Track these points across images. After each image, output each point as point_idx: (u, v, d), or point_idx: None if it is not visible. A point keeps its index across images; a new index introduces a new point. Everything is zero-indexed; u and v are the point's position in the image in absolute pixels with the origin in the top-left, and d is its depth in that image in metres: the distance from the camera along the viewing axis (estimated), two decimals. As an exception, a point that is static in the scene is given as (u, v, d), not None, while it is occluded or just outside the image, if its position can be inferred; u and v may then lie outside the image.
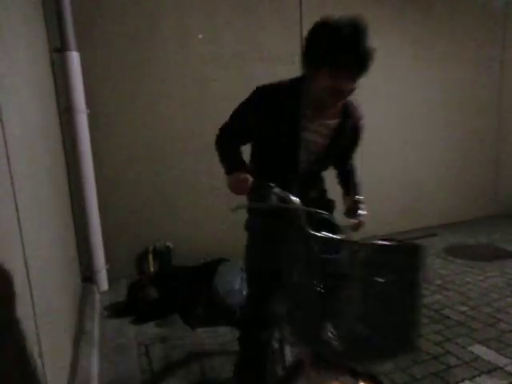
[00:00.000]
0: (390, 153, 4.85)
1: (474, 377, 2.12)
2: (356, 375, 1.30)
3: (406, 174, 4.99)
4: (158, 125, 3.78)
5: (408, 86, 4.82)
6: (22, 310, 1.39)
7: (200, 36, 3.80)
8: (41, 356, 1.53)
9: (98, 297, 3.34)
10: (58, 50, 3.18)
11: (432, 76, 4.93)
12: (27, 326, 1.42)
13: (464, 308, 2.91)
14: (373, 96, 4.67)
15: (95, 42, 3.47)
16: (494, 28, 5.23)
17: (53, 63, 3.24)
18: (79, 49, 3.25)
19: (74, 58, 3.19)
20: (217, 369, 2.31)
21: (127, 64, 3.60)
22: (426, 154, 5.08)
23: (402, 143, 4.91)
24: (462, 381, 2.09)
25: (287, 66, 4.14)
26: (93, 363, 2.27)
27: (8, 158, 1.41)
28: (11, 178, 1.42)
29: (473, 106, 5.28)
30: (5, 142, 1.40)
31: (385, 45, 4.54)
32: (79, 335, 2.55)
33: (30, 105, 2.10)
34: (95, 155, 3.44)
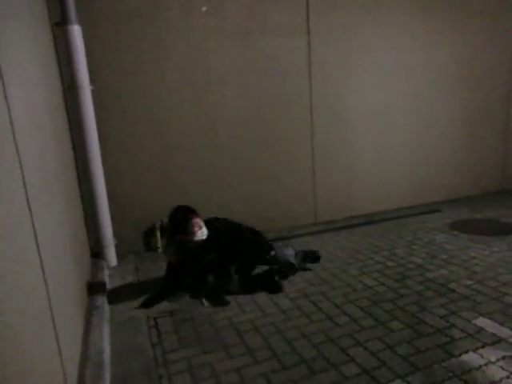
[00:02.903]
0: (395, 128, 4.78)
1: (478, 348, 2.15)
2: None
3: (413, 149, 4.94)
4: (164, 100, 3.74)
5: (417, 59, 4.70)
6: (34, 284, 1.42)
7: (203, 8, 3.71)
8: (54, 329, 1.57)
9: (107, 272, 3.40)
10: (59, 24, 3.12)
11: (442, 47, 4.80)
12: (40, 300, 1.45)
13: (469, 282, 2.93)
14: (380, 69, 4.59)
15: (97, 16, 3.40)
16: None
17: (55, 38, 3.19)
18: (81, 22, 3.19)
19: (76, 31, 3.14)
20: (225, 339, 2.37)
21: (129, 37, 3.54)
22: (433, 129, 5.01)
23: (409, 117, 4.83)
24: (466, 352, 2.13)
25: (292, 39, 4.06)
26: (104, 336, 2.34)
27: (14, 136, 1.41)
28: (18, 156, 1.42)
29: (483, 79, 5.15)
30: (10, 120, 1.39)
31: (394, 14, 4.41)
32: (90, 309, 2.62)
33: (35, 81, 2.08)
34: (101, 131, 3.43)
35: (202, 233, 2.86)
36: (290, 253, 3.30)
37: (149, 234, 3.91)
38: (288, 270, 3.18)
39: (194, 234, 2.83)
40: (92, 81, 3.32)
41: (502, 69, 5.26)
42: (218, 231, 2.97)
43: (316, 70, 4.23)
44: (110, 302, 2.88)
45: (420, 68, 4.75)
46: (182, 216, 2.86)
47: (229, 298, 2.89)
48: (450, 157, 5.18)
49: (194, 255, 2.91)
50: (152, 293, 2.97)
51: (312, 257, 3.41)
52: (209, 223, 2.98)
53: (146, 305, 2.84)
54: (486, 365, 2.02)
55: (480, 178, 5.46)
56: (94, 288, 2.92)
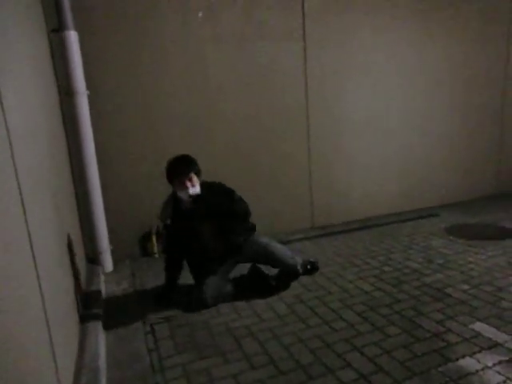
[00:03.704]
0: (392, 132, 4.80)
1: (475, 353, 2.15)
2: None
3: (409, 153, 4.96)
4: (160, 105, 3.75)
5: (411, 62, 4.73)
6: (29, 290, 1.41)
7: (200, 14, 3.73)
8: (49, 335, 1.56)
9: (102, 278, 3.39)
10: (56, 31, 3.13)
11: (436, 52, 4.83)
12: (35, 306, 1.44)
13: (466, 287, 2.93)
14: (375, 73, 4.62)
15: (93, 21, 3.41)
16: (502, 4, 5.09)
17: (51, 44, 3.20)
18: (77, 29, 3.20)
19: (72, 37, 3.15)
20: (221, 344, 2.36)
21: (126, 43, 3.55)
22: (429, 133, 5.03)
23: (405, 121, 4.86)
24: (463, 357, 2.12)
25: (289, 43, 4.08)
26: (100, 342, 2.32)
27: (10, 143, 1.41)
28: (14, 163, 1.42)
29: (477, 84, 5.19)
30: (6, 126, 1.39)
31: (388, 19, 4.44)
32: (86, 315, 2.60)
33: (30, 87, 2.08)
34: (97, 137, 3.43)
35: (193, 190, 2.71)
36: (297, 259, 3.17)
37: (145, 239, 3.90)
38: (289, 275, 3.07)
39: (183, 188, 2.72)
40: (89, 85, 3.32)
41: (499, 72, 5.29)
42: (211, 201, 2.78)
43: (312, 74, 4.25)
44: (105, 308, 2.87)
45: (414, 71, 4.77)
46: (177, 167, 2.77)
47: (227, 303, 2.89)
48: (446, 161, 5.20)
49: (186, 212, 2.80)
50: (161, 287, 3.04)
51: (310, 268, 3.31)
52: (207, 188, 2.81)
53: (160, 297, 2.96)
54: (482, 369, 2.02)
55: (476, 182, 5.48)
56: (90, 296, 2.91)
